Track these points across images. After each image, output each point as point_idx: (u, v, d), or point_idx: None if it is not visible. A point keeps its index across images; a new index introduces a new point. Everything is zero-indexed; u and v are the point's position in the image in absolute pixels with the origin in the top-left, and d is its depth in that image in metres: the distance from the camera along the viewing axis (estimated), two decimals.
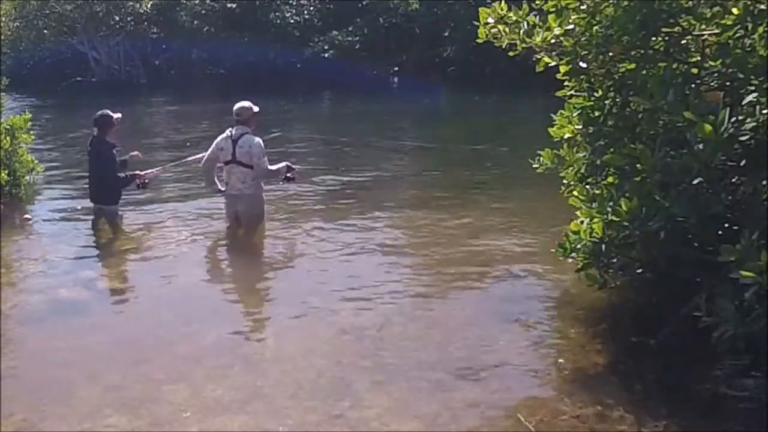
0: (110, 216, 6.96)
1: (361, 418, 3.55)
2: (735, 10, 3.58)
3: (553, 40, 4.24)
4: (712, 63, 3.76)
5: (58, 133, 13.68)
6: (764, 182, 3.48)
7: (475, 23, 4.50)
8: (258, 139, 6.40)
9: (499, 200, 7.88)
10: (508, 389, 3.81)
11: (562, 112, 4.67)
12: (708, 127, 3.16)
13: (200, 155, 6.94)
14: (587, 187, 4.27)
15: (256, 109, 6.52)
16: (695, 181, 3.49)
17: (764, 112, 3.28)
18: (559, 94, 4.69)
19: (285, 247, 6.49)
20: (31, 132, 8.04)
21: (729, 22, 3.63)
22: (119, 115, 6.99)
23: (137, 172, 7.06)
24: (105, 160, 6.83)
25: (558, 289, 5.23)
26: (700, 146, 3.24)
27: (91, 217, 7.22)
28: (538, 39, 4.26)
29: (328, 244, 6.38)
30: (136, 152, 7.38)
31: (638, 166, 3.66)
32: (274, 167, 6.53)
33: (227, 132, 6.49)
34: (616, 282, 4.44)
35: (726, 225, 3.76)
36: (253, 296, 5.48)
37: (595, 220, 3.78)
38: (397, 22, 22.13)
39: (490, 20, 4.43)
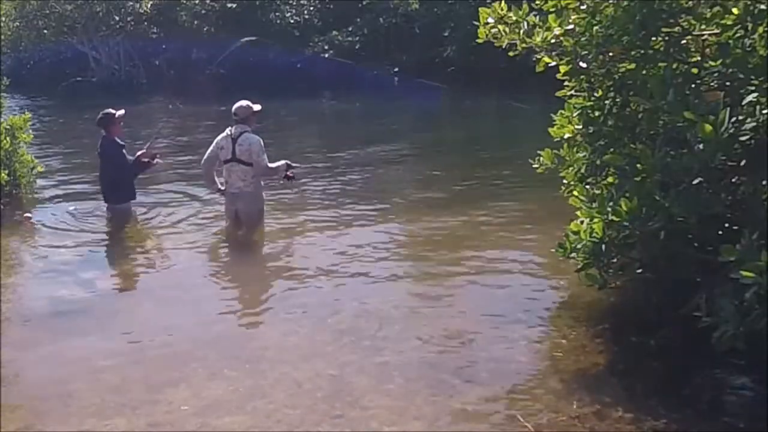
0: (122, 215, 6.97)
1: (361, 418, 3.55)
2: (735, 10, 3.57)
3: (553, 40, 4.24)
4: (712, 63, 3.75)
5: (58, 133, 13.70)
6: (764, 182, 3.47)
7: (475, 23, 4.50)
8: (257, 138, 6.42)
9: (498, 200, 7.88)
10: (508, 389, 3.81)
11: (562, 112, 4.67)
12: (708, 127, 3.16)
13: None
14: (587, 187, 4.26)
15: (256, 107, 6.53)
16: (695, 181, 3.49)
17: (764, 112, 3.27)
18: (559, 94, 4.69)
19: (285, 247, 6.49)
20: (31, 132, 8.04)
21: (729, 22, 3.63)
22: (122, 111, 7.00)
23: (138, 153, 7.02)
24: (112, 160, 6.84)
25: (558, 289, 5.23)
26: (700, 146, 3.23)
27: (91, 216, 7.24)
28: (538, 39, 4.26)
29: (328, 243, 6.38)
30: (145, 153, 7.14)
31: (638, 166, 3.66)
32: (273, 165, 6.54)
33: (227, 131, 6.50)
34: (616, 282, 4.43)
35: (726, 225, 3.76)
36: (253, 296, 5.47)
37: (595, 220, 3.77)
38: (397, 22, 22.09)
39: (490, 20, 4.43)
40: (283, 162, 6.68)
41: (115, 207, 7.04)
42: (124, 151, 6.96)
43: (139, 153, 7.04)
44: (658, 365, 4.00)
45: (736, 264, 2.98)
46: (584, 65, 4.24)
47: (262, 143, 6.42)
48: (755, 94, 3.34)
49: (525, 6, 4.37)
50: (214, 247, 6.49)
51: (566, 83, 4.61)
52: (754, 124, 3.28)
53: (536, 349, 4.33)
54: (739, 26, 3.60)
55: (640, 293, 4.53)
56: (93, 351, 4.36)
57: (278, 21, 22.58)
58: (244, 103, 6.54)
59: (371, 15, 22.47)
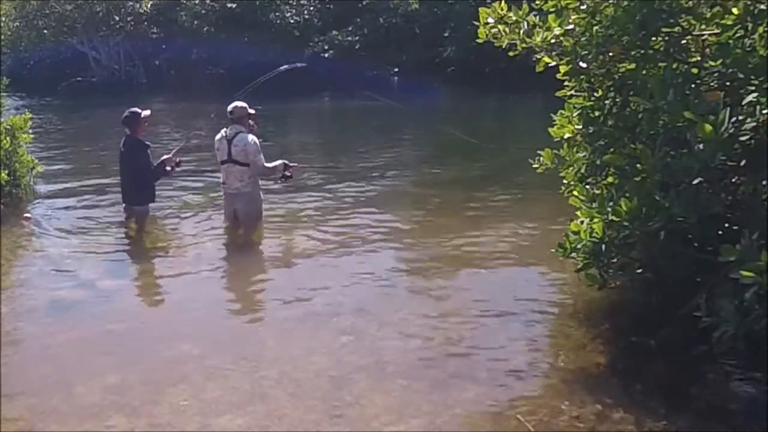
0: (140, 216, 6.87)
1: (361, 417, 3.55)
2: (735, 10, 3.58)
3: (553, 40, 4.24)
4: (712, 63, 3.75)
5: (57, 133, 13.69)
6: (764, 182, 3.48)
7: (475, 23, 4.50)
8: (252, 137, 6.41)
9: (498, 200, 7.88)
10: (508, 389, 3.81)
11: (562, 112, 4.67)
12: (708, 127, 3.16)
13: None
14: (587, 187, 4.27)
15: (252, 111, 6.53)
16: (695, 181, 3.49)
17: (764, 112, 3.27)
18: (559, 94, 4.69)
19: (284, 246, 6.49)
20: (31, 132, 8.04)
21: (729, 22, 3.63)
22: (148, 111, 6.86)
23: (164, 157, 6.88)
24: (137, 160, 6.69)
25: (558, 289, 5.23)
26: (700, 146, 3.24)
27: (90, 215, 7.24)
28: (538, 39, 4.27)
29: (327, 242, 6.38)
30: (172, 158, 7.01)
31: (638, 166, 3.66)
32: (270, 164, 6.54)
33: (222, 132, 6.50)
34: (616, 282, 4.44)
35: (726, 225, 3.76)
36: (252, 296, 5.48)
37: (595, 220, 3.78)
38: (397, 22, 22.16)
39: (490, 20, 4.43)
40: (280, 161, 6.69)
41: (134, 208, 6.90)
42: (149, 151, 6.82)
43: (164, 157, 6.88)
44: (658, 365, 4.00)
45: (736, 264, 2.98)
46: (584, 65, 4.24)
47: (257, 143, 6.40)
48: (755, 94, 3.34)
49: (525, 6, 4.37)
50: (214, 247, 6.48)
51: (566, 83, 4.61)
52: (754, 124, 3.28)
53: (536, 349, 4.33)
54: (739, 26, 3.60)
55: (640, 293, 4.53)
56: (93, 351, 4.36)
57: (278, 21, 22.62)
58: (239, 102, 6.53)
59: (371, 15, 22.54)
